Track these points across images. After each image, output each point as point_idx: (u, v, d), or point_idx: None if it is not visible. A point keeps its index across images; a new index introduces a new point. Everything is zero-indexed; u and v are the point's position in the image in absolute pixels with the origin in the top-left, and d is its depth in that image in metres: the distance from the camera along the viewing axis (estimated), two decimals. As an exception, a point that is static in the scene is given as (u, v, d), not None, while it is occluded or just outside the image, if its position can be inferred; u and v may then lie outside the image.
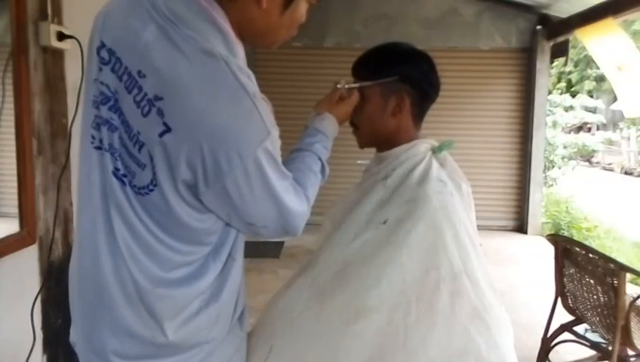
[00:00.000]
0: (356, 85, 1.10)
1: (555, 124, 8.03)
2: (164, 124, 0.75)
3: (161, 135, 0.75)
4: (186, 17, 0.77)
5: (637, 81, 4.03)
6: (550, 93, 7.19)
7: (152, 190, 0.80)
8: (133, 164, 0.80)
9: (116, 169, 0.82)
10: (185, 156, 0.75)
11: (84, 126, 0.87)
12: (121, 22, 0.81)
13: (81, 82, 1.75)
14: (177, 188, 0.79)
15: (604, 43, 4.12)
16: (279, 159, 0.83)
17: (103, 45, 0.81)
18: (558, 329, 2.58)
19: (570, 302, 2.55)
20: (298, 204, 0.88)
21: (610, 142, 14.86)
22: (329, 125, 1.05)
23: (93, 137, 0.85)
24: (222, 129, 0.74)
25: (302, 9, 0.88)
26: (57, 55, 1.72)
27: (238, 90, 0.75)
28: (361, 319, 0.95)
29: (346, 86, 1.10)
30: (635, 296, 2.23)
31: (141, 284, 0.83)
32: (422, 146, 1.11)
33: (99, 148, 0.84)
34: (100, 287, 0.84)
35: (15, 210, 1.58)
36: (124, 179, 0.82)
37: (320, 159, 1.00)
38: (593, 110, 14.29)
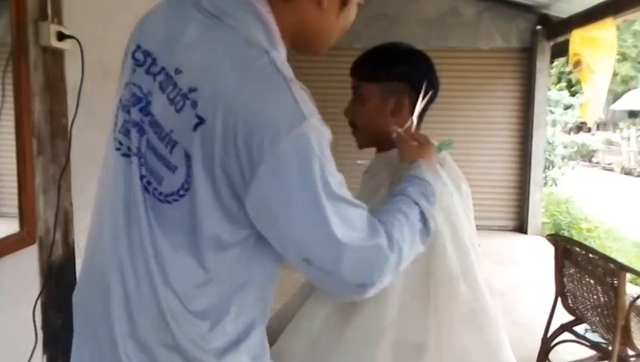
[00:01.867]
0: (412, 122, 1.07)
1: (554, 123, 8.04)
2: (197, 116, 0.70)
3: (195, 128, 0.70)
4: (229, 10, 0.75)
5: (601, 85, 4.06)
6: (549, 90, 7.19)
7: (182, 196, 0.73)
8: (163, 168, 0.75)
9: (142, 176, 0.77)
10: (221, 149, 0.69)
11: (110, 132, 0.83)
12: (161, 24, 0.80)
13: (81, 82, 1.75)
14: (215, 188, 0.71)
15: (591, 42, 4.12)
16: (329, 163, 0.72)
17: (138, 47, 0.80)
18: (558, 329, 2.58)
19: (570, 302, 2.55)
20: (363, 235, 0.73)
21: (610, 143, 14.86)
22: (426, 169, 0.93)
23: (120, 143, 0.80)
24: (255, 112, 0.69)
25: (354, 9, 0.86)
26: (57, 55, 1.72)
27: (274, 74, 0.71)
28: (385, 337, 0.96)
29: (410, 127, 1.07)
30: (635, 296, 2.23)
31: (165, 308, 0.75)
32: (422, 146, 1.10)
33: (126, 155, 0.79)
34: (123, 304, 0.77)
35: (15, 210, 1.58)
36: (148, 187, 0.76)
37: (417, 204, 0.85)
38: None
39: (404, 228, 0.80)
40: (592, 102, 4.21)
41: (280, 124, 0.68)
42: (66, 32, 1.68)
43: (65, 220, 1.79)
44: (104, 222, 0.81)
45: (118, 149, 0.80)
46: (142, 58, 0.79)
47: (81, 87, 1.74)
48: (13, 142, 1.55)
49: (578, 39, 4.20)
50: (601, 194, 9.41)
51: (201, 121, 0.70)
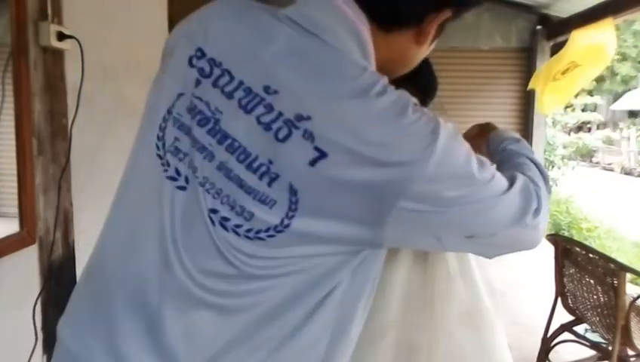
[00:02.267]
0: None
1: (554, 123, 8.04)
2: (317, 149, 0.61)
3: (313, 163, 0.61)
4: (329, 26, 0.67)
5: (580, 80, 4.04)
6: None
7: (280, 231, 0.63)
8: (254, 202, 0.63)
9: (212, 210, 0.65)
10: (348, 181, 0.61)
11: (144, 148, 0.72)
12: (230, 31, 0.70)
13: (81, 82, 1.75)
14: (327, 218, 0.63)
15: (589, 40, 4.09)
16: (468, 147, 0.68)
17: (201, 54, 0.68)
18: (558, 329, 2.58)
19: (570, 302, 2.55)
20: (508, 186, 0.70)
21: (610, 141, 14.87)
22: (502, 132, 0.96)
23: (167, 164, 0.68)
24: (392, 141, 0.62)
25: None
26: (57, 55, 1.72)
27: (396, 98, 0.65)
28: (387, 335, 0.96)
29: None
30: (635, 296, 2.24)
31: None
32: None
33: (173, 178, 0.67)
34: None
35: (15, 210, 1.58)
36: (225, 224, 0.65)
37: (523, 155, 0.84)
38: (593, 108, 14.22)
39: (531, 170, 0.79)
40: (561, 94, 4.17)
41: (422, 145, 0.62)
42: (66, 32, 1.68)
43: (65, 220, 1.79)
44: (128, 255, 0.70)
45: (165, 171, 0.68)
46: (207, 68, 0.68)
47: (81, 87, 1.74)
48: (13, 142, 1.55)
49: (576, 46, 4.17)
50: (601, 194, 9.42)
51: (322, 155, 0.61)
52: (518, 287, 4.04)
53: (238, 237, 0.64)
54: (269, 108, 0.63)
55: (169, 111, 0.69)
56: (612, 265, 2.21)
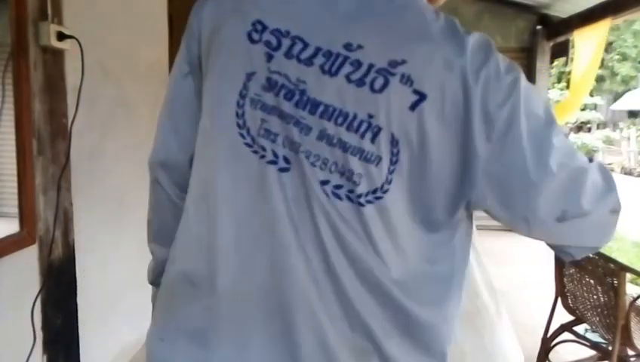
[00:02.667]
0: None
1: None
2: (417, 92, 0.60)
3: (413, 107, 0.60)
4: None
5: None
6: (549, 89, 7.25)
7: (385, 191, 0.62)
8: (361, 164, 0.62)
9: (323, 181, 0.63)
10: (443, 126, 0.61)
11: (224, 143, 0.67)
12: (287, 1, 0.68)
13: (81, 82, 1.75)
14: (431, 169, 0.63)
15: (592, 44, 4.13)
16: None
17: (263, 27, 0.65)
18: (558, 329, 2.58)
19: (570, 302, 2.55)
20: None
21: (610, 141, 14.88)
22: None
23: (262, 149, 0.65)
24: (487, 74, 0.63)
25: None
26: (57, 55, 1.72)
27: (478, 36, 0.66)
28: None
29: None
30: (635, 296, 2.23)
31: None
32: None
33: (273, 162, 0.64)
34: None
35: (15, 210, 1.58)
36: (339, 192, 0.63)
37: None
38: (593, 107, 14.18)
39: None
40: (576, 102, 4.24)
41: (511, 80, 0.64)
42: (66, 32, 1.68)
43: (65, 220, 1.79)
44: (243, 258, 0.66)
45: (263, 157, 0.65)
46: (274, 40, 0.65)
47: (81, 87, 1.74)
48: (13, 142, 1.55)
49: (579, 43, 4.21)
50: (601, 194, 9.41)
51: (422, 97, 0.60)
52: (519, 287, 4.04)
53: (352, 203, 0.63)
54: (357, 65, 0.62)
55: (242, 95, 0.66)
56: (612, 265, 2.20)
